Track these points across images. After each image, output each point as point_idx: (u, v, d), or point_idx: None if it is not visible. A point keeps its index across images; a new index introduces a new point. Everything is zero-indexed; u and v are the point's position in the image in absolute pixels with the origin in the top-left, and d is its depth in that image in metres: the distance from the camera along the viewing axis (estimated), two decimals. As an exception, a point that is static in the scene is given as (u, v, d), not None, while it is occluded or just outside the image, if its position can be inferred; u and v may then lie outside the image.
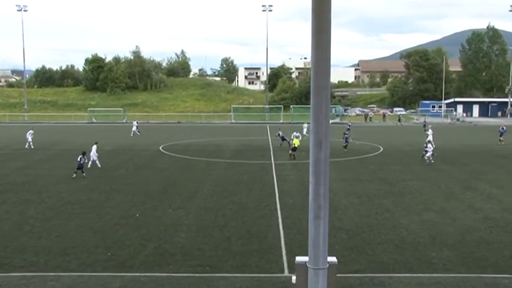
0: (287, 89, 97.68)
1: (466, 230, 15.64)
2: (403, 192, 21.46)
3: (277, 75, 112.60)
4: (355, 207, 18.74)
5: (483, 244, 14.28)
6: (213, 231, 15.59)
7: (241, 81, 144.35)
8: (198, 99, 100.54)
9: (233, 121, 74.21)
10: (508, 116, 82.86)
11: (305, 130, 43.78)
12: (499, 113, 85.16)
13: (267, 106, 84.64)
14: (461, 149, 37.84)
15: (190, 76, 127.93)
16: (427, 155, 29.75)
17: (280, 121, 71.07)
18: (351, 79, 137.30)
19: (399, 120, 70.07)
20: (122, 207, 18.66)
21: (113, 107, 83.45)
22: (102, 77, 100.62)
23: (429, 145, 30.25)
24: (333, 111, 75.51)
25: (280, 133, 39.41)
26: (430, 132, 40.38)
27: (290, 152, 32.30)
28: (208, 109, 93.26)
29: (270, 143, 41.02)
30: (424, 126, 52.00)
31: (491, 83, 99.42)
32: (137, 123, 53.86)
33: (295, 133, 37.97)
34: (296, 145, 32.58)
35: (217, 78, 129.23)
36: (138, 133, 50.14)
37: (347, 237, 15.05)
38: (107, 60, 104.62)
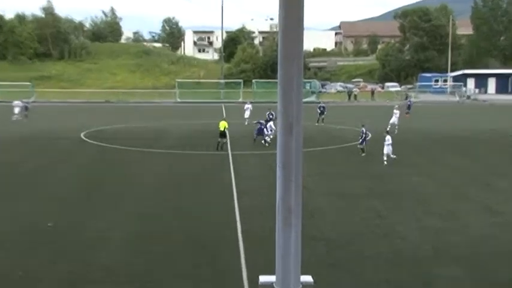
0: (248, 59, 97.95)
1: (481, 240, 15.89)
2: (400, 192, 21.75)
3: (235, 41, 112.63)
4: (337, 211, 18.86)
5: (502, 258, 14.37)
6: (150, 246, 15.27)
7: (188, 49, 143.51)
8: (133, 71, 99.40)
9: (178, 100, 73.89)
10: None
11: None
12: None
13: (222, 81, 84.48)
14: (473, 135, 38.85)
15: (122, 41, 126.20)
16: (386, 151, 27.29)
17: (240, 99, 71.09)
18: (330, 46, 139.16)
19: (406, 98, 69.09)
20: (26, 216, 18.08)
21: (16, 81, 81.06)
22: (0, 41, 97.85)
23: (388, 136, 27.70)
24: (307, 87, 76.20)
25: (273, 113, 38.45)
26: (395, 113, 40.20)
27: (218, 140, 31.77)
28: (146, 84, 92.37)
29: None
30: (409, 107, 52.35)
31: None
32: (25, 102, 51.85)
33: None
34: (222, 129, 32.00)
35: (158, 45, 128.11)
36: (22, 117, 47.74)
37: (326, 250, 15.06)
38: (7, 18, 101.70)
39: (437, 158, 29.44)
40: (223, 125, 31.98)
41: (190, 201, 20.16)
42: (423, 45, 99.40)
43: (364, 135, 29.69)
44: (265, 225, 16.97)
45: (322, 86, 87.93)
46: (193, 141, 35.84)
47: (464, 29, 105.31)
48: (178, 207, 19.24)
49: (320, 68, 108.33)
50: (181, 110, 60.52)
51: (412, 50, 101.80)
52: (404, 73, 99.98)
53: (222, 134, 31.89)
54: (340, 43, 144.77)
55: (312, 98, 72.94)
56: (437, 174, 25.17)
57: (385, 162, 26.66)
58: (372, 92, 78.77)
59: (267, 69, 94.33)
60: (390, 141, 27.24)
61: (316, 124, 43.83)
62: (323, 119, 44.90)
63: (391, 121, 39.14)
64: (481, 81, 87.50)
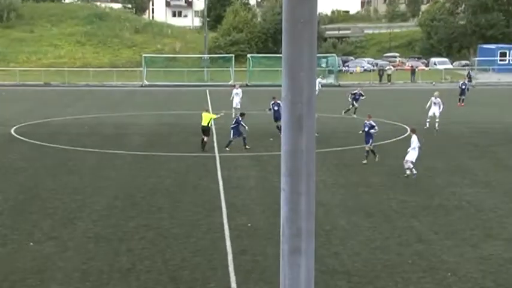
0: (242, 26, 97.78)
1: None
2: (448, 207, 21.94)
3: (222, 1, 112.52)
4: (362, 234, 19.01)
5: None
6: (110, 279, 15.44)
7: (159, 12, 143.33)
8: (82, 43, 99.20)
9: (146, 83, 73.80)
10: None
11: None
12: None
13: (206, 56, 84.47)
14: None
15: (67, 1, 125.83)
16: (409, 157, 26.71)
17: (230, 82, 71.10)
18: (355, 7, 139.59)
19: (469, 80, 67.55)
20: None
21: None
22: None
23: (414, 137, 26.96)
24: (323, 65, 76.25)
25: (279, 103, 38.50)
26: (436, 101, 39.70)
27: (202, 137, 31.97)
28: (101, 61, 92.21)
29: (212, 120, 40.86)
30: (462, 93, 51.68)
31: None
32: None
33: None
34: (206, 123, 32.21)
35: (117, 6, 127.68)
36: None
37: (348, 286, 15.23)
38: None
39: (500, 162, 29.60)
40: (206, 118, 31.97)
41: (165, 218, 20.25)
42: (485, 5, 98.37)
43: (369, 128, 28.72)
44: (266, 251, 17.13)
45: (344, 63, 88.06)
46: (166, 139, 35.81)
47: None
48: (148, 226, 19.34)
49: (341, 39, 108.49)
50: (150, 96, 60.46)
51: (469, 12, 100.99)
52: (457, 45, 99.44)
53: (205, 131, 32.00)
54: (369, 3, 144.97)
55: (330, 80, 73.14)
56: (500, 184, 25.34)
57: (407, 173, 25.90)
58: (413, 71, 78.89)
59: (267, 41, 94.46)
60: (417, 144, 25.96)
61: (344, 114, 44.00)
62: (356, 110, 44.40)
63: (429, 113, 39.15)
64: None
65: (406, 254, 17.36)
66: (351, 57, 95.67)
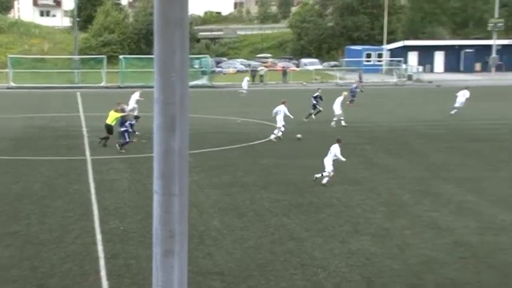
0: (113, 27, 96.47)
1: (424, 266, 16.79)
2: (319, 205, 22.45)
3: (93, 0, 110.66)
4: (235, 234, 19.19)
5: None
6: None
7: (26, 11, 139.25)
8: None
9: (12, 84, 71.55)
10: (492, 69, 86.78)
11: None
12: (477, 66, 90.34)
13: (76, 57, 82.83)
14: (415, 128, 40.55)
15: None
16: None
17: (102, 83, 70.08)
18: (227, 9, 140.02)
19: (360, 81, 68.56)
20: None
21: None
22: None
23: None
24: (196, 66, 76.34)
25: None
26: (339, 100, 41.57)
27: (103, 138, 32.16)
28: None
29: (84, 123, 40.29)
30: (354, 94, 52.78)
31: (465, 14, 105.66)
32: None
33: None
34: (109, 122, 32.26)
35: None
36: None
37: (222, 286, 15.35)
38: None
39: (368, 159, 30.51)
40: (112, 116, 31.97)
41: (32, 224, 19.81)
42: (351, 8, 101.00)
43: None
44: (140, 254, 16.97)
45: (217, 63, 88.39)
46: (35, 142, 34.85)
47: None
48: (14, 234, 18.82)
49: (214, 40, 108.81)
50: (18, 99, 58.69)
51: (337, 15, 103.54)
52: (326, 46, 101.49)
53: (109, 129, 32.17)
54: (241, 4, 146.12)
55: (204, 81, 73.18)
56: (368, 181, 26.18)
57: (317, 176, 25.64)
58: (284, 72, 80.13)
59: (140, 41, 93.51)
60: (335, 154, 25.64)
61: (305, 120, 42.17)
62: (318, 112, 42.96)
63: (336, 112, 40.28)
64: (426, 56, 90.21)
65: (279, 252, 17.64)
66: (224, 58, 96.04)
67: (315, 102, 43.16)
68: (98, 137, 33.00)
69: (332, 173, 25.28)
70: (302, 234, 19.22)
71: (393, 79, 78.48)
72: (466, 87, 47.53)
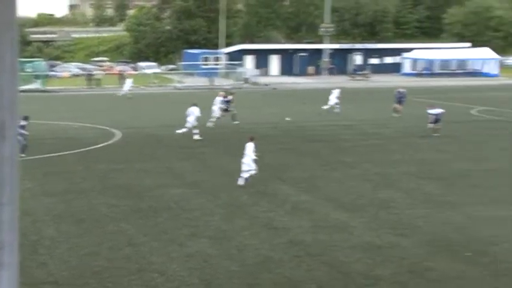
0: None
1: (261, 266, 17.18)
2: (157, 209, 22.46)
3: None
4: (71, 241, 18.86)
5: (287, 286, 15.86)
6: None
7: None
8: None
9: None
10: (326, 72, 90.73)
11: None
12: (310, 69, 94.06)
13: None
14: (254, 129, 40.90)
15: None
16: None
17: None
18: (61, 11, 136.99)
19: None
20: None
21: None
22: None
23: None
24: (29, 70, 73.96)
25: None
26: (215, 101, 41.77)
27: None
28: None
29: None
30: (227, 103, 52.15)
31: (298, 19, 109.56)
32: None
33: None
34: None
35: None
36: None
37: (57, 295, 15.02)
38: None
39: (206, 162, 30.74)
40: None
41: None
42: (188, 12, 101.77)
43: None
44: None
45: (51, 67, 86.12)
46: None
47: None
48: None
49: (47, 43, 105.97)
50: None
51: (174, 18, 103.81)
52: (164, 49, 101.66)
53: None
54: (76, 7, 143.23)
55: (37, 85, 71.03)
56: (206, 183, 26.41)
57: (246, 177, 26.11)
58: (121, 76, 79.21)
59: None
60: (250, 152, 25.77)
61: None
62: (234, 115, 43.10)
63: (215, 113, 40.35)
64: (262, 60, 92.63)
65: (116, 258, 17.47)
66: (59, 62, 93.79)
67: (225, 106, 43.15)
68: None
69: (254, 172, 25.67)
70: (140, 239, 19.13)
71: (229, 82, 79.50)
72: (338, 88, 50.13)
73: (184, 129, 36.61)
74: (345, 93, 54.04)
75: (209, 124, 40.39)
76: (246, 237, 19.42)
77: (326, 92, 53.03)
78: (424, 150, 34.36)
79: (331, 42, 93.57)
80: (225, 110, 43.05)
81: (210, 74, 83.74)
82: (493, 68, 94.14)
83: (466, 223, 21.00)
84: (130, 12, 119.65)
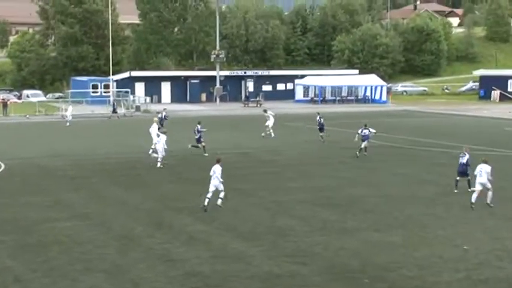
0: None
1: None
2: (47, 243, 21.80)
3: None
4: None
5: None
6: None
7: None
8: None
9: None
10: (217, 100, 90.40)
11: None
12: (203, 96, 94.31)
13: None
14: (146, 159, 40.56)
15: None
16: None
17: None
18: None
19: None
20: None
21: None
22: None
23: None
24: None
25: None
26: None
27: None
28: None
29: None
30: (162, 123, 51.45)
31: (189, 45, 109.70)
32: None
33: None
34: None
35: None
36: None
37: None
38: None
39: (96, 193, 30.12)
40: None
41: None
42: (75, 38, 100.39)
43: None
44: None
45: None
46: None
47: (131, 16, 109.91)
48: None
49: None
50: None
51: (60, 45, 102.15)
52: (50, 77, 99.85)
53: None
54: None
55: None
56: (97, 215, 25.79)
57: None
58: (4, 104, 77.12)
59: None
60: (217, 175, 26.57)
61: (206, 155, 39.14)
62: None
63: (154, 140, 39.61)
64: (153, 87, 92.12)
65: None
66: None
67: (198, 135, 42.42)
68: None
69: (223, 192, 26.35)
70: (28, 276, 18.29)
71: (121, 110, 78.29)
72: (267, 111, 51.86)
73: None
74: (238, 120, 54.15)
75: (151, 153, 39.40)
76: (142, 270, 18.95)
77: (220, 119, 52.99)
78: (319, 177, 34.69)
79: (223, 69, 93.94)
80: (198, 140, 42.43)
81: (99, 101, 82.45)
82: (381, 95, 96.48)
83: (362, 249, 21.21)
84: (12, 38, 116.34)
